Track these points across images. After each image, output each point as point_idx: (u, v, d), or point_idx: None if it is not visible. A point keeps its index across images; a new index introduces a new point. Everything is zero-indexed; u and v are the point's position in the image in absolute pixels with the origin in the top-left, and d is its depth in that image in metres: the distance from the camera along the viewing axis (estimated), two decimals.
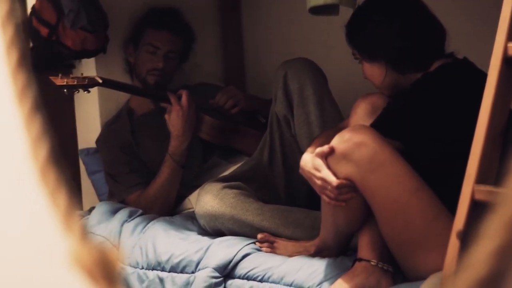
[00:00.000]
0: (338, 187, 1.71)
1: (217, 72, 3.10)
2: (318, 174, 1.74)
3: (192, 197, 2.48)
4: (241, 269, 1.98)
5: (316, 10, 2.05)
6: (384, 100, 1.94)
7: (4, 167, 0.77)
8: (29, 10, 2.50)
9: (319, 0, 1.97)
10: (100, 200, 2.62)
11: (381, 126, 1.78)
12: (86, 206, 2.67)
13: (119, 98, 2.70)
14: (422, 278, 1.66)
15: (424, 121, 1.79)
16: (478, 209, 1.37)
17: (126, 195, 2.48)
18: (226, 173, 2.40)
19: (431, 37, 1.90)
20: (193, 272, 2.04)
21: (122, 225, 2.28)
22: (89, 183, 2.72)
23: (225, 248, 2.03)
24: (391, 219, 1.72)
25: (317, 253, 1.95)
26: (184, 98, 2.46)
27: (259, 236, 2.06)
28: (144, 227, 2.25)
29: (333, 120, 2.22)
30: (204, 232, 2.18)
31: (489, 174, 1.37)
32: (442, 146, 1.79)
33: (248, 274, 1.96)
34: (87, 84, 2.36)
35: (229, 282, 1.99)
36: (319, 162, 1.74)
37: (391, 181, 1.70)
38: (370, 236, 1.78)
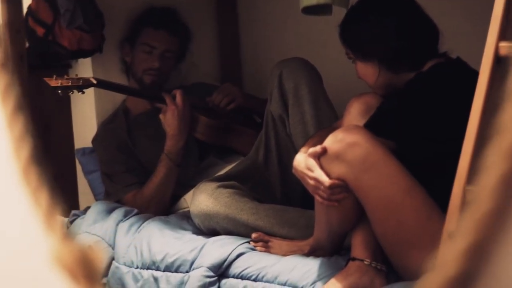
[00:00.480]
0: (331, 187, 1.71)
1: (213, 72, 3.10)
2: (310, 174, 1.74)
3: (188, 197, 2.48)
4: (235, 268, 1.98)
5: (309, 10, 2.05)
6: (378, 100, 1.94)
7: None
8: (25, 10, 2.49)
9: (312, 0, 1.97)
10: (97, 200, 2.62)
11: (374, 126, 1.78)
12: (82, 206, 2.67)
13: (115, 98, 2.70)
14: (415, 277, 1.66)
15: (417, 121, 1.79)
16: None
17: (122, 195, 2.48)
18: (222, 172, 2.41)
19: (426, 37, 1.90)
20: (187, 272, 2.04)
21: (117, 224, 2.28)
22: (85, 183, 2.72)
23: (220, 248, 2.03)
24: (384, 219, 1.72)
25: (311, 253, 1.95)
26: (178, 98, 2.46)
27: (254, 235, 2.06)
28: (139, 226, 2.25)
29: (328, 120, 2.22)
30: (199, 231, 2.18)
31: None
32: (435, 145, 1.79)
33: (242, 273, 1.96)
34: (82, 85, 2.36)
35: (223, 281, 1.99)
36: (312, 162, 1.74)
37: (384, 181, 1.70)
38: (363, 236, 1.78)
